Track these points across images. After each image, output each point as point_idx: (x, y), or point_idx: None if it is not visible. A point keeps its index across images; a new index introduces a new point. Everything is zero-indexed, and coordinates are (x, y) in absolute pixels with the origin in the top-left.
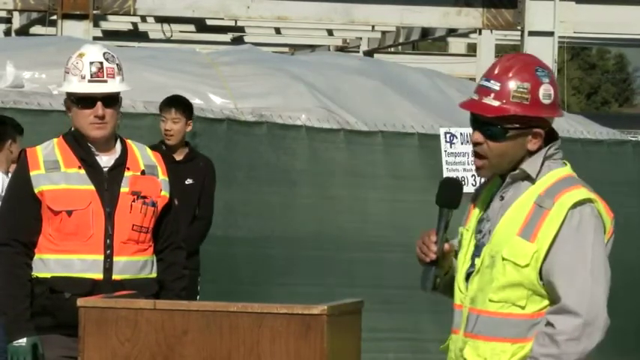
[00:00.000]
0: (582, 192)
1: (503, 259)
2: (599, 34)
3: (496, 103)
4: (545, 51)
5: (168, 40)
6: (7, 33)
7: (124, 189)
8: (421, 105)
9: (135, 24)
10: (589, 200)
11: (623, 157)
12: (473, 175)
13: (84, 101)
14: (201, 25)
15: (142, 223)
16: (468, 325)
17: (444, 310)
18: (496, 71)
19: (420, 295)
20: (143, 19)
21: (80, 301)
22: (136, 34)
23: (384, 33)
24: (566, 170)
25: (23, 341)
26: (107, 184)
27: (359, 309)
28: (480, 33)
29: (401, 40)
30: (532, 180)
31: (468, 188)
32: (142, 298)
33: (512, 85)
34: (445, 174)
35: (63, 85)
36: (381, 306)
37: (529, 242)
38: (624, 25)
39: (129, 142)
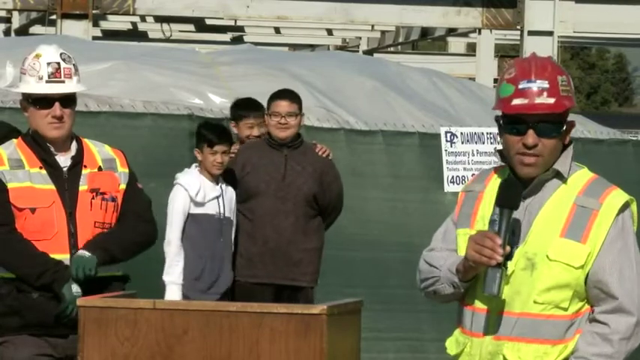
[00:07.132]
0: (622, 192)
1: (550, 260)
2: (599, 33)
3: (552, 100)
4: (544, 51)
5: (167, 40)
6: (7, 33)
7: (83, 187)
8: (421, 104)
9: (134, 24)
10: (630, 201)
11: (624, 157)
12: (473, 174)
13: (41, 102)
14: (200, 24)
15: (104, 219)
16: (499, 328)
17: (444, 310)
18: (533, 71)
19: (420, 295)
20: (142, 18)
21: (80, 301)
22: (135, 34)
23: (383, 33)
24: (589, 171)
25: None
26: (67, 183)
27: (359, 309)
28: (479, 33)
29: (400, 39)
30: (563, 179)
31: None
32: (140, 298)
33: (558, 80)
34: (445, 174)
35: (20, 86)
36: (381, 306)
37: (580, 243)
38: (624, 25)
39: (84, 140)
